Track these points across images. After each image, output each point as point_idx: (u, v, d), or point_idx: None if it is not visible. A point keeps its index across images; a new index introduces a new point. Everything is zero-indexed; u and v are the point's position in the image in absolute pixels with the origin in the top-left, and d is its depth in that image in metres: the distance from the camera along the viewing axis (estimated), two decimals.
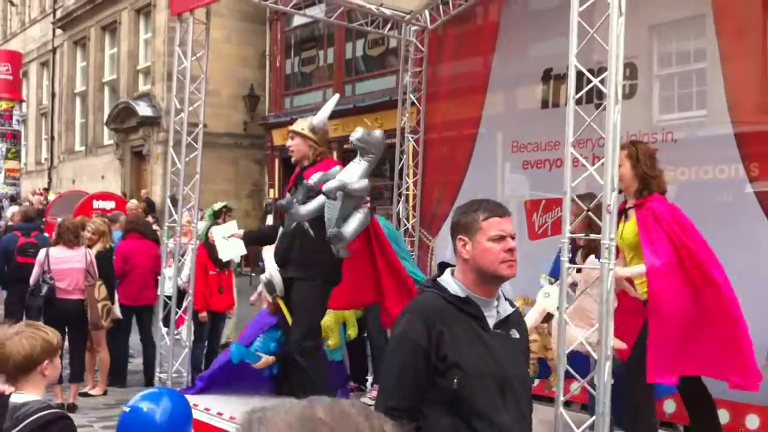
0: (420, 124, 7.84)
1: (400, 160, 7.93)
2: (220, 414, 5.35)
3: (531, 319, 4.96)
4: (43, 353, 2.98)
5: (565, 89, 6.32)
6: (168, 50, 20.20)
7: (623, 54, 4.04)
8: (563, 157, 5.80)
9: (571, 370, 4.09)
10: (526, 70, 6.89)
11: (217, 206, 9.73)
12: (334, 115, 18.23)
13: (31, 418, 2.84)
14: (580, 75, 4.21)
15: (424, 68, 7.83)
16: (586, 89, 4.32)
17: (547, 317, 4.93)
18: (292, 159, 5.18)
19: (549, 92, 6.64)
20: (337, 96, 5.40)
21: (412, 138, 7.86)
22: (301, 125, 5.03)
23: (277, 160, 20.25)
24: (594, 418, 3.90)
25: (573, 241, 5.13)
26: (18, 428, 2.80)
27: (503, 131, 7.10)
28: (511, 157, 6.92)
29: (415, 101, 7.88)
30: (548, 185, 6.06)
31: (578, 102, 4.20)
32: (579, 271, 4.40)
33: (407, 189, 7.90)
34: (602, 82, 4.07)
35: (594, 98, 5.58)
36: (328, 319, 5.79)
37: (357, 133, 4.80)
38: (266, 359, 5.64)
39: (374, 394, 5.90)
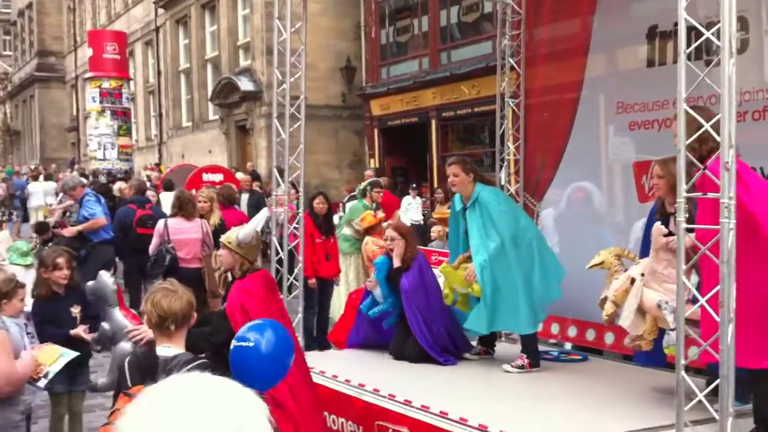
0: (520, 88, 7.78)
1: (501, 125, 7.90)
2: (348, 381, 5.57)
3: (615, 286, 4.94)
4: (191, 308, 3.30)
5: (672, 47, 6.17)
6: (266, 25, 20.61)
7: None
8: (672, 117, 5.69)
9: (693, 333, 4.04)
10: (629, 29, 6.73)
11: (361, 186, 9.98)
12: (430, 84, 18.17)
13: (182, 370, 3.05)
14: (689, 30, 4.11)
15: (522, 31, 7.73)
16: (696, 44, 4.21)
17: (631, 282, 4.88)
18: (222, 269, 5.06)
19: (654, 51, 6.48)
20: (265, 211, 5.20)
21: (512, 102, 7.81)
22: (230, 238, 4.82)
23: (376, 130, 20.45)
24: (718, 381, 3.86)
25: (663, 205, 5.06)
26: None
27: (607, 93, 6.97)
28: (615, 118, 6.80)
29: (515, 65, 7.81)
30: (657, 146, 5.92)
31: (687, 58, 4.10)
32: (691, 231, 4.31)
33: (508, 155, 7.88)
34: (714, 35, 3.96)
35: (703, 54, 5.44)
36: (459, 273, 5.90)
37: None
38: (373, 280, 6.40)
39: (519, 362, 5.86)
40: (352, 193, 12.80)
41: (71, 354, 4.16)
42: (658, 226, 4.71)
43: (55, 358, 4.14)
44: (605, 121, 7.05)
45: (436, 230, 10.77)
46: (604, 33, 6.93)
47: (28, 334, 4.93)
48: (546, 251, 6.06)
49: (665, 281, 4.61)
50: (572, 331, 6.97)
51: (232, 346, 3.72)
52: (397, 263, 6.31)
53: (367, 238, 8.77)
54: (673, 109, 6.05)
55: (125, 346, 4.65)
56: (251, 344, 3.66)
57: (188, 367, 3.12)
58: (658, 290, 4.63)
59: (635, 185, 6.50)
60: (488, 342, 6.41)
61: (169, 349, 3.24)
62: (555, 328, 7.09)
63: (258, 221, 4.88)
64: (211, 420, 1.21)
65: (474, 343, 6.47)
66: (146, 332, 4.19)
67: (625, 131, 6.69)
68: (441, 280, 6.28)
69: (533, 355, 5.89)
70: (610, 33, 6.91)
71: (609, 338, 6.46)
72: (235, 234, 4.73)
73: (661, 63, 6.38)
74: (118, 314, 4.96)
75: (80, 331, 5.11)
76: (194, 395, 1.26)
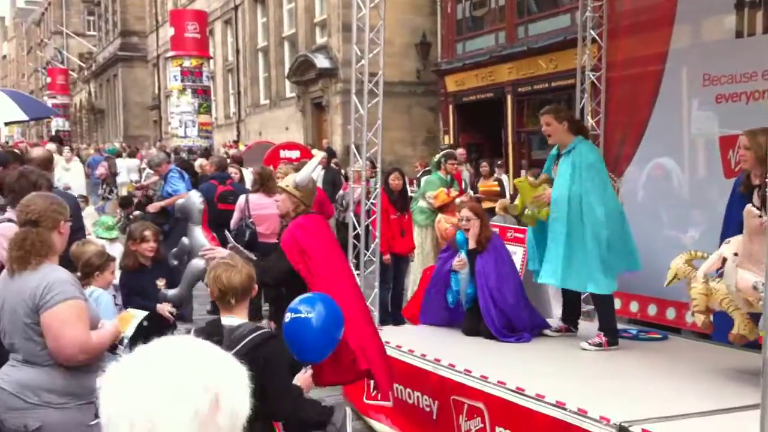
0: (602, 61, 7.61)
1: (581, 99, 7.75)
2: (423, 355, 5.60)
3: (707, 264, 4.78)
4: (251, 281, 3.38)
5: (762, 17, 5.94)
6: (343, 2, 20.65)
7: None
8: (761, 89, 5.50)
9: None
10: None
11: (435, 158, 9.98)
12: (506, 59, 17.80)
13: (246, 339, 3.21)
14: None
15: (604, 2, 7.56)
16: None
17: (723, 262, 4.70)
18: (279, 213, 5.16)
19: (743, 21, 6.24)
20: (320, 155, 5.26)
21: (593, 76, 7.65)
22: (287, 181, 4.92)
23: (450, 107, 20.33)
24: None
25: (748, 177, 4.87)
26: (237, 348, 3.13)
27: (692, 65, 6.76)
28: (701, 92, 6.59)
29: (596, 37, 7.64)
30: (745, 119, 5.72)
31: None
32: None
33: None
34: None
35: None
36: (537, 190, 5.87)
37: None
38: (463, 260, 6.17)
39: (597, 339, 5.76)
40: (426, 168, 12.78)
41: (142, 314, 4.32)
42: (749, 209, 4.53)
43: (130, 322, 4.30)
44: (689, 95, 6.85)
45: (500, 204, 10.54)
46: (690, 3, 6.72)
47: (116, 305, 5.14)
48: (626, 225, 5.94)
49: (761, 261, 4.45)
50: (652, 310, 6.85)
51: (286, 319, 3.81)
52: (472, 245, 6.22)
53: (440, 216, 8.75)
54: (763, 81, 5.85)
55: (199, 262, 4.89)
56: (310, 315, 3.74)
57: (252, 336, 3.22)
58: (753, 270, 4.47)
59: (721, 160, 6.30)
60: (570, 320, 6.33)
61: (233, 319, 3.35)
62: (634, 307, 6.97)
63: (313, 165, 5.02)
64: (178, 376, 1.29)
65: (551, 321, 6.43)
66: (220, 252, 4.51)
67: (711, 105, 6.49)
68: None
69: (611, 333, 5.79)
70: (697, 3, 6.70)
71: (690, 317, 6.32)
72: (292, 178, 4.87)
73: (750, 33, 6.15)
74: (199, 232, 5.16)
75: (165, 309, 5.28)
76: (166, 354, 1.34)
